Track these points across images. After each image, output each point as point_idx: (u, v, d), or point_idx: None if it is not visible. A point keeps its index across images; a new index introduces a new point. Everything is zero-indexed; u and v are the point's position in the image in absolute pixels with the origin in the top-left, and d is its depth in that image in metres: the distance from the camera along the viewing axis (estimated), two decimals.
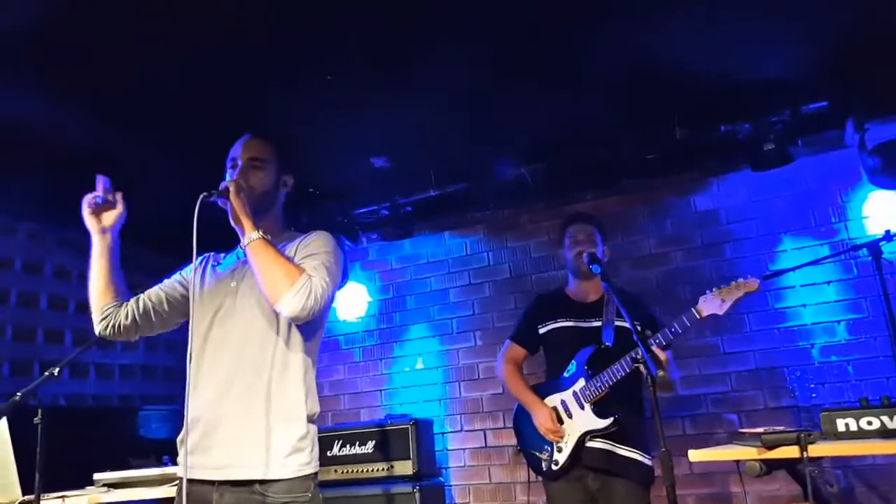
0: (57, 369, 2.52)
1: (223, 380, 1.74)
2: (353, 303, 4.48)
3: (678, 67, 2.82)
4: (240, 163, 1.88)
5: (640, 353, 2.23)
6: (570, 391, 2.66)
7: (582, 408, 2.61)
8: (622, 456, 2.56)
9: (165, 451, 3.16)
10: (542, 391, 2.76)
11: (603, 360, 2.60)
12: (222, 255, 2.01)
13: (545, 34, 2.54)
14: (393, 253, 4.53)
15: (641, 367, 2.32)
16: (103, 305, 1.87)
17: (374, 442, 3.67)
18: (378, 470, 3.60)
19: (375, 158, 3.49)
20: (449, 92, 2.90)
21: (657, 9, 2.44)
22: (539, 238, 4.11)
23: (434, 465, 3.84)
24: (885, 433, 1.27)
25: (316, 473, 1.76)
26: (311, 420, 1.78)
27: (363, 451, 3.67)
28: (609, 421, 2.54)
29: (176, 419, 4.04)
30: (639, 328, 2.28)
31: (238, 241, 1.79)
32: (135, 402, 4.07)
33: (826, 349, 3.38)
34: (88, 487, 2.83)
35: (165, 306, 1.94)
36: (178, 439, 1.73)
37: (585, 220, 2.88)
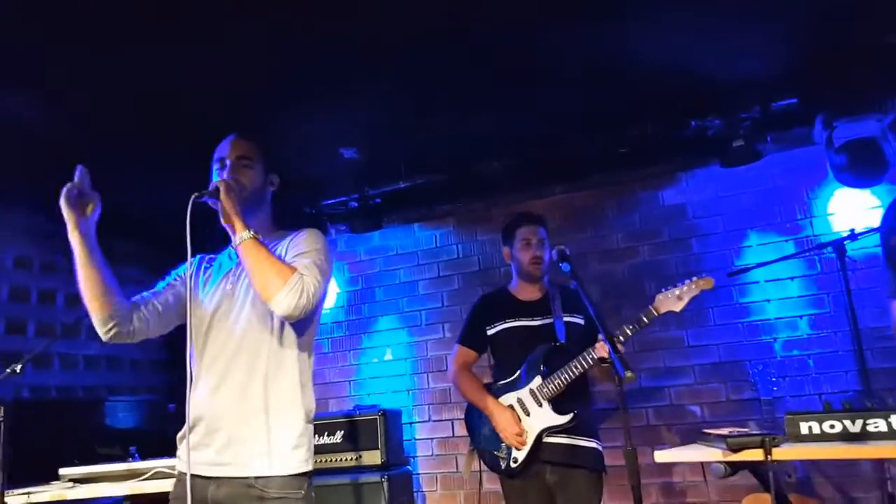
0: (19, 366, 2.44)
1: (221, 379, 1.77)
2: (330, 290, 4.43)
3: (651, 63, 2.82)
4: (228, 162, 1.88)
5: (596, 352, 2.33)
6: (526, 389, 2.65)
7: (540, 405, 2.61)
8: (581, 447, 2.60)
9: (132, 443, 3.10)
10: (495, 392, 2.73)
11: (558, 357, 2.61)
12: (216, 255, 2.01)
13: (519, 31, 2.51)
14: (362, 245, 4.49)
15: (604, 366, 2.36)
16: (106, 315, 1.80)
17: (342, 432, 3.68)
18: (347, 460, 3.61)
19: (345, 149, 3.44)
20: (420, 85, 2.86)
21: (633, 6, 2.43)
22: None
23: (402, 454, 3.86)
24: (846, 437, 1.30)
25: (311, 472, 1.78)
26: (307, 417, 1.81)
27: (332, 441, 3.67)
28: (569, 417, 2.56)
29: (146, 410, 4.00)
30: (617, 335, 2.31)
31: (230, 241, 1.79)
32: (100, 393, 3.97)
33: (788, 343, 3.45)
34: (54, 483, 2.76)
35: (165, 310, 1.92)
36: (179, 436, 1.78)
37: (535, 221, 2.85)
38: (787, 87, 3.10)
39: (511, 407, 2.66)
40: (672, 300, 2.47)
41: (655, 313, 2.49)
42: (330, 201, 3.99)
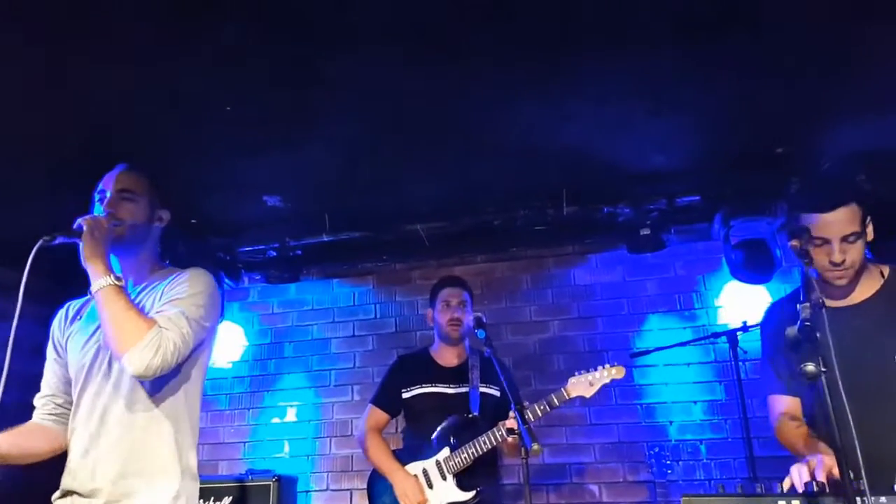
0: None
1: (93, 439, 1.67)
2: (227, 346, 4.23)
3: (574, 149, 3.00)
4: (109, 195, 1.78)
5: (508, 425, 2.34)
6: (433, 460, 2.64)
7: (444, 478, 2.60)
8: None
9: None
10: (402, 458, 2.70)
11: (469, 430, 2.62)
12: (82, 301, 1.89)
13: (456, 100, 2.62)
14: (276, 296, 4.36)
15: (512, 439, 2.37)
16: (52, 451, 1.79)
17: (231, 498, 3.44)
18: None
19: (268, 197, 3.38)
20: (351, 142, 2.90)
21: (562, 96, 2.60)
22: (428, 295, 4.12)
23: None
24: None
25: None
26: (188, 478, 1.70)
27: None
28: (471, 494, 2.57)
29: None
30: (525, 405, 2.36)
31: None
32: None
33: (682, 427, 3.60)
34: None
35: (66, 388, 1.83)
36: (53, 498, 1.69)
37: (458, 284, 2.92)
38: (692, 183, 3.37)
39: (416, 476, 2.62)
40: (584, 385, 2.53)
41: (566, 396, 2.54)
42: (247, 248, 3.85)
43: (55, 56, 2.19)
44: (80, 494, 1.64)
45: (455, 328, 2.80)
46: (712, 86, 2.58)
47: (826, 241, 1.75)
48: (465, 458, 2.57)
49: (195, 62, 2.27)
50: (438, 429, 2.67)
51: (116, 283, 1.61)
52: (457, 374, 2.79)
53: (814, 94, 2.64)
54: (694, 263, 3.84)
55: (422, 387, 2.78)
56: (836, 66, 2.45)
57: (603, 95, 2.63)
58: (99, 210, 1.76)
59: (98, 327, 1.73)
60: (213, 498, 3.43)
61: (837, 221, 1.75)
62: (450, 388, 2.76)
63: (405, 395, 2.80)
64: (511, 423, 2.43)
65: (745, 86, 2.58)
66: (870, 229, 1.81)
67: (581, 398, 2.56)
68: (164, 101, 2.49)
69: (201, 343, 1.74)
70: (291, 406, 4.12)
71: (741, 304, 3.57)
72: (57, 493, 1.68)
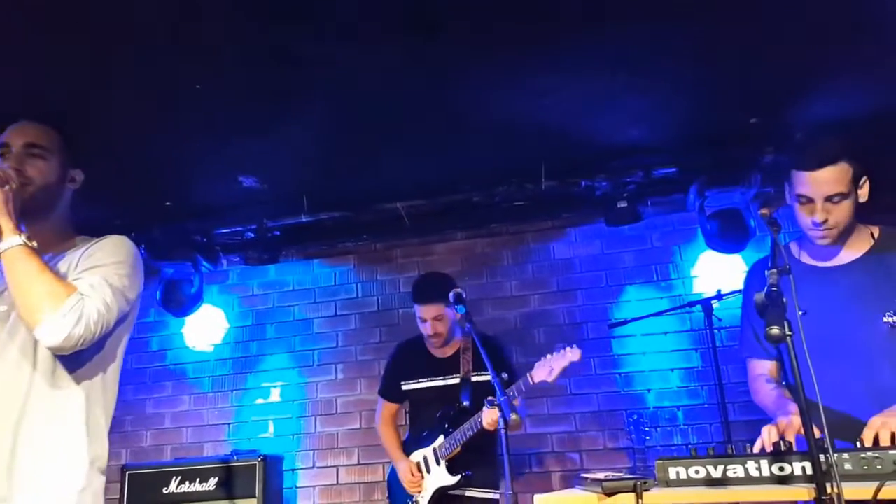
0: None
1: None
2: (209, 329, 4.21)
3: (551, 124, 3.01)
4: (13, 149, 1.55)
5: (494, 401, 2.33)
6: (430, 448, 2.84)
7: (438, 464, 2.79)
8: (478, 499, 2.77)
9: None
10: (410, 446, 2.93)
11: (460, 418, 2.76)
12: None
13: (435, 78, 2.61)
14: (256, 278, 4.34)
15: (493, 411, 2.43)
16: None
17: (217, 479, 3.46)
18: None
19: (245, 177, 3.35)
20: (328, 122, 2.88)
21: (539, 71, 2.61)
22: (409, 273, 4.13)
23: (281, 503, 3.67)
24: (709, 482, 1.39)
25: None
26: (94, 468, 1.51)
27: (204, 489, 3.45)
28: (457, 478, 2.73)
29: None
30: (504, 377, 2.43)
31: None
32: None
33: (660, 395, 3.68)
34: None
35: None
36: None
37: (431, 299, 2.82)
38: (668, 156, 3.40)
39: (418, 464, 2.84)
40: (545, 370, 2.58)
41: (532, 382, 2.60)
42: (224, 230, 3.83)
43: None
44: None
45: (436, 342, 2.89)
46: (687, 60, 2.60)
47: (810, 200, 1.73)
48: (453, 444, 2.73)
49: (169, 41, 2.23)
50: (436, 417, 2.84)
51: (28, 242, 1.41)
52: (451, 365, 2.91)
53: (788, 66, 2.66)
54: (670, 234, 3.89)
55: (418, 381, 2.94)
56: (810, 39, 2.47)
57: (579, 70, 2.63)
58: None
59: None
60: (198, 479, 3.45)
61: (823, 181, 1.69)
62: (444, 380, 2.90)
63: (405, 388, 2.99)
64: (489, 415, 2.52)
65: (719, 59, 2.60)
66: (864, 190, 1.76)
67: (545, 382, 2.62)
68: (135, 80, 2.44)
69: (124, 317, 1.56)
70: (275, 386, 4.13)
71: (716, 273, 3.64)
72: None
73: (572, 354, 2.58)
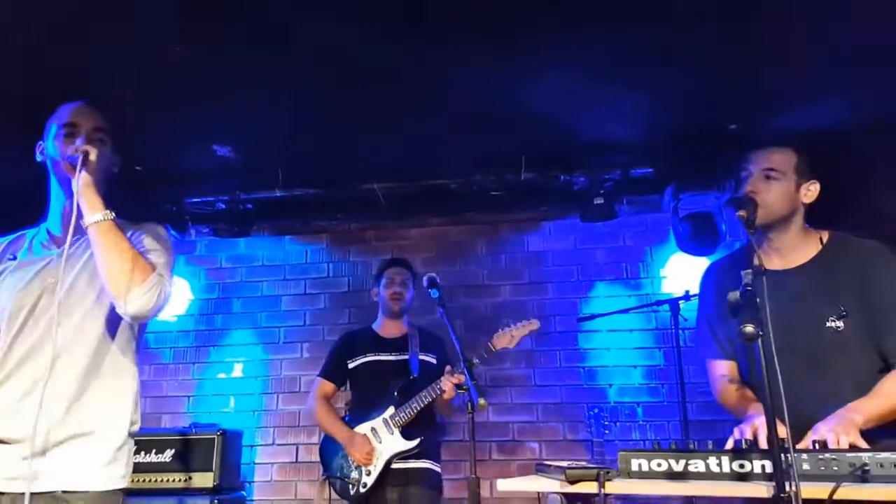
0: None
1: (32, 385, 1.54)
2: (172, 299, 4.11)
3: (533, 116, 3.01)
4: (83, 131, 1.64)
5: (444, 383, 2.63)
6: (380, 419, 2.87)
7: (391, 433, 2.84)
8: (421, 469, 2.85)
9: None
10: (350, 422, 2.95)
11: (411, 389, 2.85)
12: (13, 237, 1.76)
13: (411, 64, 2.58)
14: (225, 251, 4.26)
15: (446, 395, 2.65)
16: None
17: (173, 451, 3.41)
18: (175, 481, 3.35)
19: (218, 146, 3.27)
20: (306, 96, 2.83)
21: (524, 62, 2.60)
22: (382, 255, 4.08)
23: (237, 478, 3.65)
24: (670, 475, 1.41)
25: (125, 490, 1.65)
26: (131, 431, 1.67)
27: (160, 460, 3.39)
28: (416, 442, 2.81)
29: None
30: (474, 361, 2.56)
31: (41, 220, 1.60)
32: None
33: (622, 390, 3.74)
34: None
35: None
36: None
37: (402, 265, 3.15)
38: (646, 156, 3.43)
39: (365, 435, 2.86)
40: (506, 338, 2.77)
41: (493, 349, 2.77)
42: (195, 199, 3.73)
43: None
44: (5, 442, 1.53)
45: (397, 301, 3.03)
46: (669, 64, 2.62)
47: (750, 175, 1.82)
48: (408, 412, 2.80)
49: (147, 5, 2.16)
50: (384, 390, 2.89)
51: (114, 218, 1.55)
52: (398, 344, 3.02)
53: (769, 76, 2.71)
54: (643, 234, 3.94)
55: (366, 356, 3.00)
56: (786, 51, 2.52)
57: (565, 65, 2.64)
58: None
59: (41, 269, 1.64)
60: (154, 450, 3.39)
61: (765, 156, 1.82)
62: (392, 356, 2.99)
63: (351, 365, 3.02)
64: (454, 380, 2.64)
65: (700, 65, 2.63)
66: (811, 191, 1.82)
67: (506, 349, 2.79)
68: (111, 40, 2.36)
69: None
70: (238, 362, 4.08)
71: (684, 274, 3.70)
72: None
73: (531, 325, 2.78)
